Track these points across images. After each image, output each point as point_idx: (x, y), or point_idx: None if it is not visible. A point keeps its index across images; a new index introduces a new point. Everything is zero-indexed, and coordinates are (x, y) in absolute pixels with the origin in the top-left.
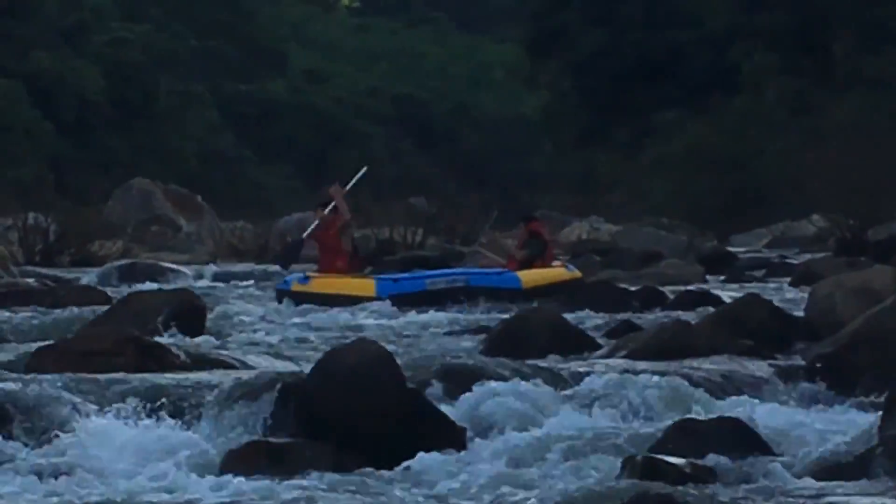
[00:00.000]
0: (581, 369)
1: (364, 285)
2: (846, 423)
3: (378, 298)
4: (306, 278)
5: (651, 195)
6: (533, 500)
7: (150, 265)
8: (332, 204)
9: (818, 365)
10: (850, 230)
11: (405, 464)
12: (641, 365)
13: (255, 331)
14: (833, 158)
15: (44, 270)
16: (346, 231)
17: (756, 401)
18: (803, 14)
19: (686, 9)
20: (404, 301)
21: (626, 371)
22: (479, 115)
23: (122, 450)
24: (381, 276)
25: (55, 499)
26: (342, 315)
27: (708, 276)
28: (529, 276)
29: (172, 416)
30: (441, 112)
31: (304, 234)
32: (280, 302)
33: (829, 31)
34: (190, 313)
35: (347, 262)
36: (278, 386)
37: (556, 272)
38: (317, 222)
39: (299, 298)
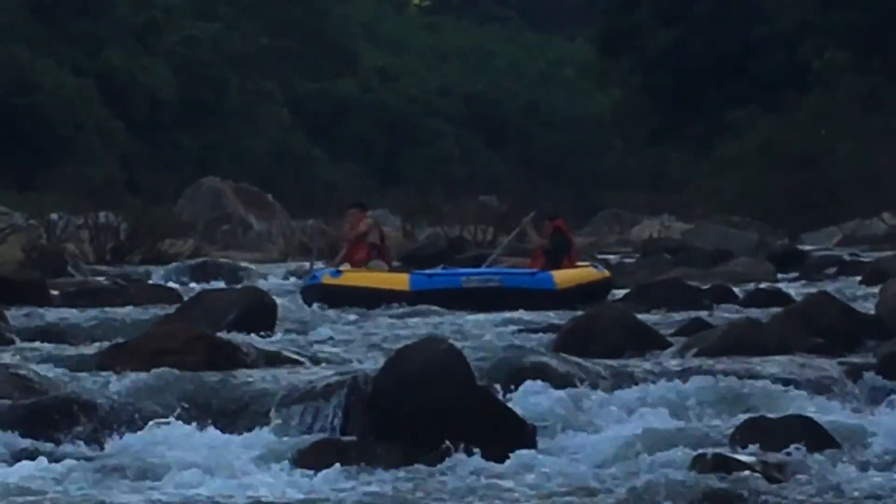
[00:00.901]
0: (651, 367)
1: (398, 279)
2: None
3: (411, 293)
4: (338, 272)
5: (722, 193)
6: (603, 497)
7: (221, 263)
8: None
9: (889, 363)
10: None
11: (475, 462)
12: (712, 363)
13: (325, 328)
14: None
15: (114, 269)
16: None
17: (826, 399)
18: (875, 12)
19: (757, 6)
20: (437, 298)
21: (697, 369)
22: (550, 114)
23: (191, 448)
24: (417, 270)
25: (126, 497)
26: (407, 312)
27: (779, 275)
28: (562, 277)
29: (242, 414)
30: (512, 110)
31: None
32: (306, 299)
33: None
34: (260, 311)
35: (367, 254)
36: (348, 384)
37: (587, 272)
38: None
39: (330, 292)
